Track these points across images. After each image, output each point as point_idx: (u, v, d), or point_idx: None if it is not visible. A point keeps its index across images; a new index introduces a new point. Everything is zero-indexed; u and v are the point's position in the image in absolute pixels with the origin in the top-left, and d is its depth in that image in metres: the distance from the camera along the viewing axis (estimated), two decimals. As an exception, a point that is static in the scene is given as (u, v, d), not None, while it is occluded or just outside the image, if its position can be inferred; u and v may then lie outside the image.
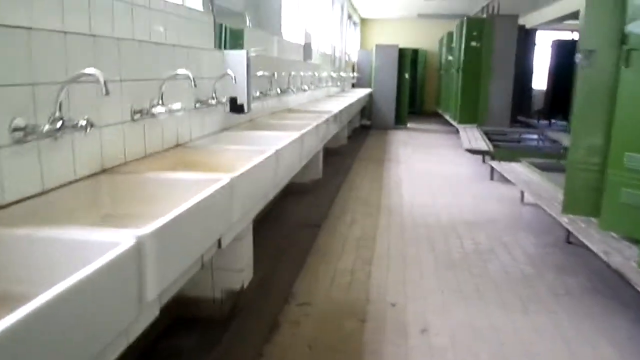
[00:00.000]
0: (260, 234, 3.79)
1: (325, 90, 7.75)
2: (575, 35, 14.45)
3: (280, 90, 4.68)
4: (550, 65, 12.29)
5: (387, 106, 11.29)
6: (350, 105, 6.91)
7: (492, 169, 6.07)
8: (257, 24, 4.62)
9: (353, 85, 13.35)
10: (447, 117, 10.80)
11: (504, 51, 8.39)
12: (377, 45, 11.23)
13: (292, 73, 5.32)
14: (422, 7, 12.84)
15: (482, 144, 6.50)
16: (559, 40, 12.25)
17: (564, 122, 12.26)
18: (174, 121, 2.50)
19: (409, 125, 11.90)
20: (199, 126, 2.79)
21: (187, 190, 1.77)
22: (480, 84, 8.58)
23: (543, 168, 5.13)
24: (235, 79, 2.87)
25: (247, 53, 3.11)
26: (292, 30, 6.29)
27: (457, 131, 9.95)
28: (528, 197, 4.75)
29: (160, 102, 2.20)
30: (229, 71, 2.77)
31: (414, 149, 8.51)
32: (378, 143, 9.08)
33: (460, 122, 8.90)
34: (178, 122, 2.54)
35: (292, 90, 4.84)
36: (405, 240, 3.90)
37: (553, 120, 12.24)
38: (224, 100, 3.04)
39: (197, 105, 2.73)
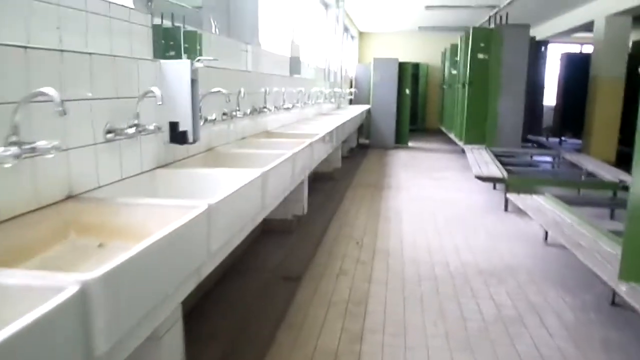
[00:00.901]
0: (220, 294, 2.96)
1: (316, 108, 6.96)
2: (585, 49, 13.74)
3: (255, 110, 3.89)
4: (560, 79, 11.54)
5: (387, 124, 10.50)
6: (344, 124, 6.11)
7: (506, 198, 5.24)
8: (227, 30, 3.84)
9: (351, 102, 12.60)
10: (452, 136, 10.00)
11: (514, 64, 7.61)
12: (375, 59, 10.49)
13: (275, 89, 4.53)
14: (423, 20, 12.13)
15: (494, 170, 5.68)
16: (568, 53, 11.51)
17: (575, 140, 11.50)
18: (65, 161, 1.69)
19: (410, 144, 11.10)
20: (112, 166, 1.98)
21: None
22: (489, 101, 7.79)
23: (569, 201, 4.30)
24: (165, 98, 2.07)
25: (192, 64, 2.31)
26: (276, 41, 5.51)
27: (463, 151, 9.14)
28: (553, 237, 3.91)
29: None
30: (155, 89, 1.96)
31: (416, 172, 7.70)
32: (376, 165, 8.26)
33: (467, 142, 8.09)
34: (71, 162, 1.73)
35: (269, 110, 4.04)
36: (406, 302, 3.06)
37: (563, 138, 11.46)
38: (161, 126, 2.24)
39: (109, 135, 1.92)
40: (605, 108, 8.60)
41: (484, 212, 5.24)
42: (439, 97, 13.50)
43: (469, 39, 8.10)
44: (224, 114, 3.20)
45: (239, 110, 3.29)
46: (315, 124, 5.55)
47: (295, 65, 5.94)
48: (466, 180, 7.00)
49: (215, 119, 2.97)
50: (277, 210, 3.54)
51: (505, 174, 5.31)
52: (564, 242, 3.25)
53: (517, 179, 5.45)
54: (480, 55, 7.71)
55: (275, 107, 4.58)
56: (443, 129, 11.77)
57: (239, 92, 3.24)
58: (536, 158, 8.04)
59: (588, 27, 9.92)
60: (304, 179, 4.05)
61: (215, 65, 3.10)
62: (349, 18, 12.25)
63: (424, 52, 14.28)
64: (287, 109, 4.73)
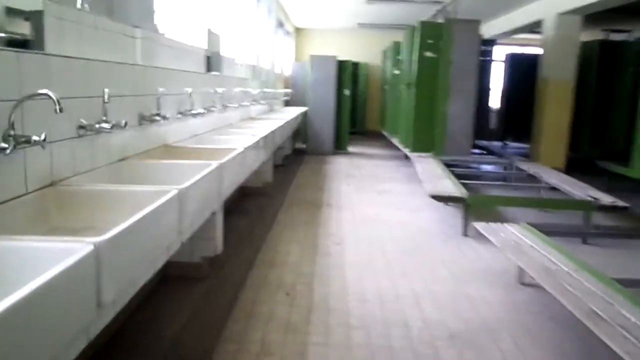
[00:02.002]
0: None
1: (242, 112, 5.90)
2: (527, 51, 13.47)
3: (145, 118, 2.81)
4: (504, 81, 11.07)
5: (325, 128, 9.58)
6: (275, 131, 5.10)
7: (466, 219, 4.42)
8: (108, 7, 2.73)
9: (287, 103, 11.61)
10: (395, 142, 9.21)
11: (464, 63, 6.89)
12: (312, 56, 9.54)
13: (184, 89, 3.46)
14: (363, 16, 11.31)
15: (449, 186, 4.86)
16: (513, 54, 11.06)
17: (517, 144, 11.09)
18: None
19: (350, 149, 10.24)
20: None
21: None
22: (437, 103, 7.03)
23: (546, 230, 3.52)
24: None
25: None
26: (187, 30, 4.42)
27: (406, 157, 8.39)
28: (528, 274, 3.09)
29: None
30: None
31: (358, 184, 6.80)
32: (314, 176, 7.30)
33: (414, 149, 7.28)
34: None
35: (164, 118, 2.96)
36: (355, 404, 2.10)
37: (505, 142, 10.99)
38: None
39: None
40: (555, 112, 8.09)
41: (441, 239, 4.39)
42: (380, 99, 12.76)
43: (415, 35, 7.30)
44: (81, 127, 2.12)
45: (106, 122, 2.20)
46: (236, 133, 4.50)
47: (214, 60, 4.87)
48: (414, 194, 6.18)
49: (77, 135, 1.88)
50: (180, 252, 2.55)
51: (464, 192, 4.48)
52: (559, 297, 2.40)
53: (477, 198, 4.65)
54: (428, 54, 6.93)
55: (180, 113, 3.50)
56: (385, 132, 11.01)
57: (104, 95, 2.16)
58: (489, 168, 7.36)
59: (534, 27, 9.46)
60: (216, 212, 3.02)
61: (71, 55, 2.02)
62: (284, 12, 11.24)
63: (364, 50, 13.51)
64: (197, 114, 3.66)
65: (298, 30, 13.78)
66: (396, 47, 9.75)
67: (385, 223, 4.86)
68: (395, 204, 5.66)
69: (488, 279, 3.50)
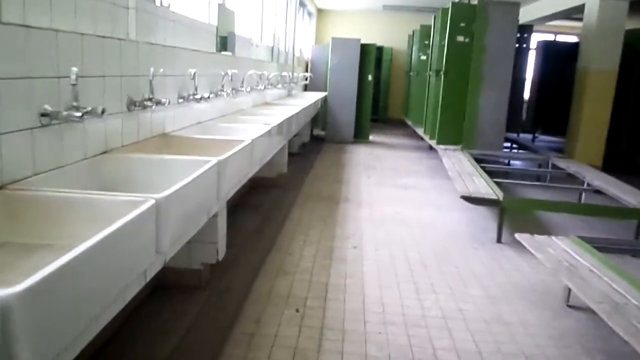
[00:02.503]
0: None
1: (257, 96, 5.47)
2: (560, 38, 12.74)
3: (134, 103, 2.40)
4: (535, 70, 10.41)
5: (346, 115, 9.10)
6: (290, 118, 4.67)
7: (501, 224, 3.96)
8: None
9: (305, 88, 11.14)
10: (419, 132, 8.70)
11: (500, 50, 6.33)
12: (334, 39, 9.02)
13: (189, 71, 3.05)
14: (388, -3, 10.75)
15: (483, 186, 4.37)
16: (546, 41, 10.40)
17: (547, 137, 10.47)
18: None
19: (371, 137, 9.76)
20: None
21: None
22: (468, 93, 6.50)
23: (599, 246, 3.03)
24: None
25: None
26: (195, 4, 3.98)
27: (430, 147, 7.89)
28: (577, 295, 2.62)
29: None
30: None
31: (379, 176, 6.34)
32: (332, 167, 6.86)
33: (440, 141, 6.78)
34: None
35: (157, 103, 2.55)
36: None
37: (536, 135, 10.36)
38: None
39: None
40: (595, 105, 7.49)
41: (472, 246, 3.92)
42: (404, 85, 12.20)
43: (446, 17, 6.75)
44: (44, 114, 1.71)
45: (76, 109, 1.78)
46: (247, 120, 4.07)
47: (227, 39, 4.43)
48: (439, 190, 5.70)
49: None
50: (177, 257, 2.18)
51: (499, 193, 4.00)
52: (630, 339, 1.94)
53: (514, 202, 4.16)
54: (460, 38, 6.38)
55: (182, 97, 3.08)
56: (408, 121, 10.48)
57: (73, 74, 1.74)
58: (522, 165, 6.81)
59: (573, 12, 8.80)
60: (217, 212, 2.62)
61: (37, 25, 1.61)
62: (306, -9, 10.72)
63: (389, 34, 12.92)
64: (202, 99, 3.23)
65: (320, 11, 13.23)
66: (424, 31, 9.17)
67: (408, 224, 4.40)
68: (419, 201, 5.20)
69: (528, 298, 3.04)
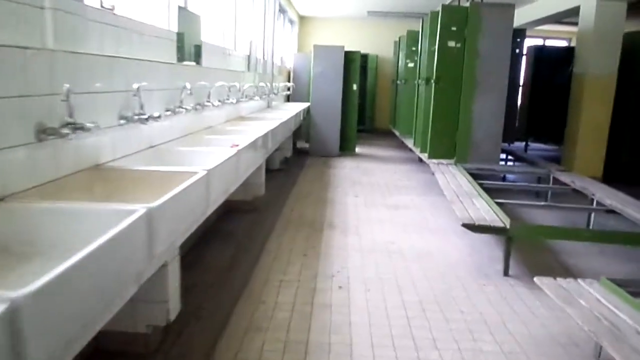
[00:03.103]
0: None
1: (228, 111, 4.91)
2: (548, 43, 12.38)
3: (44, 131, 1.84)
4: (525, 76, 9.99)
5: (330, 126, 8.56)
6: (265, 136, 4.13)
7: (509, 255, 3.43)
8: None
9: (288, 98, 10.61)
10: (409, 144, 8.19)
11: (495, 55, 5.84)
12: (316, 46, 8.50)
13: (134, 86, 2.49)
14: (372, 3, 10.27)
15: (486, 210, 3.84)
16: (537, 46, 9.97)
17: (539, 145, 10.05)
18: None
19: (358, 150, 9.23)
20: None
21: None
22: (461, 102, 5.99)
23: (631, 289, 2.51)
24: None
25: None
26: (149, 6, 3.42)
27: (420, 160, 7.37)
28: (607, 346, 2.08)
29: None
30: None
31: (368, 196, 5.80)
32: (316, 185, 6.30)
33: (432, 155, 6.25)
34: None
35: (76, 129, 1.98)
36: None
37: (528, 144, 9.89)
38: None
39: None
40: (594, 112, 7.05)
41: (477, 281, 3.38)
42: (391, 95, 11.71)
43: (435, 22, 6.25)
44: None
45: None
46: (213, 141, 3.50)
47: (192, 47, 3.87)
48: (433, 209, 5.17)
49: None
50: (119, 318, 1.64)
51: (506, 220, 3.47)
52: None
53: (523, 229, 3.63)
54: (452, 43, 5.88)
55: (124, 118, 2.51)
56: (396, 132, 9.97)
57: None
58: (522, 181, 6.29)
59: (565, 16, 8.39)
60: (167, 262, 2.05)
61: None
62: (287, -3, 10.21)
63: (374, 41, 12.45)
64: (150, 119, 2.66)
65: (302, 18, 12.73)
66: (412, 37, 8.69)
67: (403, 255, 3.86)
68: (412, 225, 4.66)
69: (550, 352, 2.50)
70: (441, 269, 3.59)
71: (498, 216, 3.60)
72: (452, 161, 6.13)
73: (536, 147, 10.25)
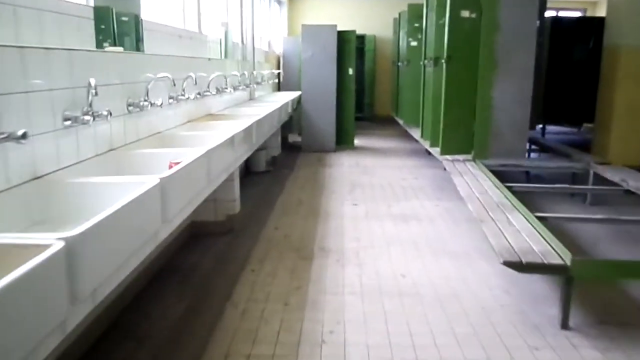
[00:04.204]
0: None
1: (189, 109, 3.89)
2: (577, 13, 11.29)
3: None
4: (539, 51, 8.89)
5: (324, 118, 7.54)
6: (231, 140, 3.13)
7: (569, 301, 2.43)
8: None
9: (279, 87, 9.58)
10: (415, 136, 7.16)
11: (518, 27, 4.80)
12: (304, 27, 7.45)
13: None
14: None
15: (529, 231, 2.83)
16: (556, 17, 8.90)
17: (555, 127, 8.99)
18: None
19: (356, 142, 8.21)
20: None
21: None
22: (478, 85, 4.96)
23: None
24: None
25: None
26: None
27: (428, 152, 6.36)
28: None
29: None
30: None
31: (369, 202, 4.81)
32: (307, 190, 5.30)
33: (445, 150, 5.22)
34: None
35: None
36: None
37: (543, 126, 8.79)
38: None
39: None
40: (630, 91, 5.98)
41: (524, 340, 2.39)
42: (392, 78, 10.65)
43: (443, -12, 5.19)
44: None
45: None
46: (136, 161, 2.50)
47: (119, 26, 2.86)
48: (450, 219, 4.18)
49: None
50: None
51: (565, 254, 2.45)
52: None
53: (589, 266, 2.61)
54: (465, 13, 4.82)
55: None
56: (400, 120, 8.93)
57: None
58: (560, 182, 5.23)
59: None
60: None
61: None
62: (271, -26, 9.13)
63: (371, 20, 11.35)
64: (23, 137, 1.64)
65: (291, -2, 11.63)
66: (414, 11, 7.61)
67: (418, 296, 2.87)
68: (427, 245, 3.67)
69: None
70: (472, 319, 2.60)
71: (551, 245, 2.59)
72: (469, 156, 5.12)
73: (553, 130, 9.20)
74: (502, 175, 4.50)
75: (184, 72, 3.54)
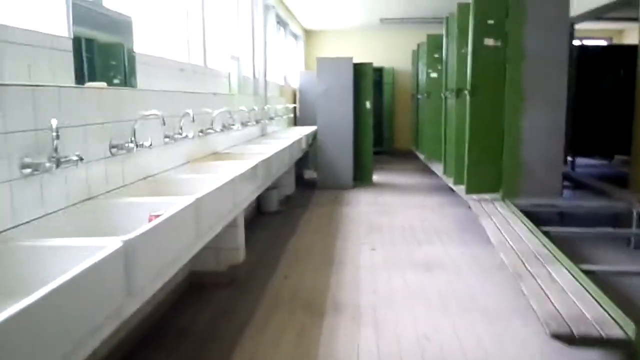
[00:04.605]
0: None
1: (192, 148, 3.58)
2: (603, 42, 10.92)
3: None
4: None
5: (341, 153, 7.20)
6: (232, 184, 2.78)
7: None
8: None
9: (295, 122, 9.33)
10: (437, 171, 6.75)
11: (546, 54, 4.43)
12: (319, 60, 7.20)
13: None
14: (384, 9, 8.98)
15: (580, 295, 2.38)
16: (583, 46, 8.50)
17: (588, 160, 8.46)
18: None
19: (375, 178, 7.83)
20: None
21: None
22: (506, 116, 4.56)
23: None
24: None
25: None
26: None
27: (452, 188, 5.93)
28: None
29: None
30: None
31: (388, 247, 4.39)
32: (321, 234, 4.91)
33: (471, 189, 4.79)
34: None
35: None
36: None
37: (573, 158, 8.26)
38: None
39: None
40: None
41: None
42: (411, 111, 10.32)
43: (466, 17, 4.85)
44: None
45: None
46: (105, 217, 2.16)
47: (103, 58, 2.58)
48: (478, 269, 3.72)
49: None
50: None
51: (628, 325, 2.01)
52: None
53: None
54: (489, 41, 4.48)
55: None
56: (421, 155, 8.52)
57: None
58: (601, 225, 4.73)
59: (620, 5, 6.95)
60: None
61: None
62: (289, 10, 8.98)
63: (389, 52, 11.13)
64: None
65: (308, 32, 11.49)
66: (433, 42, 7.31)
67: (446, 367, 2.42)
68: (454, 301, 3.22)
69: None
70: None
71: (607, 311, 2.14)
72: (497, 195, 4.68)
73: (582, 163, 8.66)
74: (533, 216, 4.06)
75: (183, 108, 3.24)
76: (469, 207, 5.01)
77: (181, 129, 3.16)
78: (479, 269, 3.77)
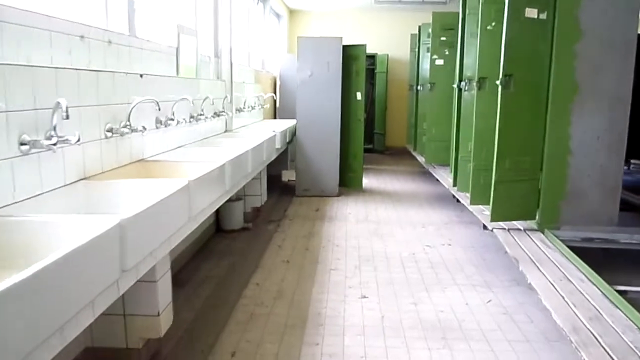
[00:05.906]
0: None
1: (92, 152, 2.31)
2: None
3: None
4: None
5: (325, 154, 5.96)
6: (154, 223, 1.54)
7: None
8: None
9: (275, 114, 8.08)
10: (445, 183, 5.53)
11: (610, 35, 3.23)
12: (300, 39, 5.92)
13: None
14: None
15: None
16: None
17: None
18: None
19: (365, 182, 6.61)
20: None
21: None
22: (548, 119, 3.35)
23: None
24: None
25: None
26: None
27: (458, 199, 4.76)
28: None
29: None
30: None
31: (383, 293, 3.18)
32: (294, 266, 3.68)
33: (497, 215, 3.51)
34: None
35: None
36: None
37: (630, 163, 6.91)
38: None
39: None
40: None
41: None
42: (408, 104, 9.11)
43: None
44: None
45: None
46: None
47: None
48: (521, 332, 2.52)
49: None
50: None
51: None
52: None
53: None
54: (532, 12, 3.23)
55: None
56: (420, 158, 7.29)
57: None
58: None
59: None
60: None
61: None
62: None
63: (384, 38, 9.88)
64: None
65: (292, 12, 10.19)
66: (441, 21, 6.02)
67: None
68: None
69: None
70: None
71: None
72: (533, 223, 3.48)
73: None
74: (587, 256, 2.88)
75: (76, 96, 1.98)
76: (484, 227, 3.84)
77: (54, 128, 1.89)
78: (520, 335, 2.56)
